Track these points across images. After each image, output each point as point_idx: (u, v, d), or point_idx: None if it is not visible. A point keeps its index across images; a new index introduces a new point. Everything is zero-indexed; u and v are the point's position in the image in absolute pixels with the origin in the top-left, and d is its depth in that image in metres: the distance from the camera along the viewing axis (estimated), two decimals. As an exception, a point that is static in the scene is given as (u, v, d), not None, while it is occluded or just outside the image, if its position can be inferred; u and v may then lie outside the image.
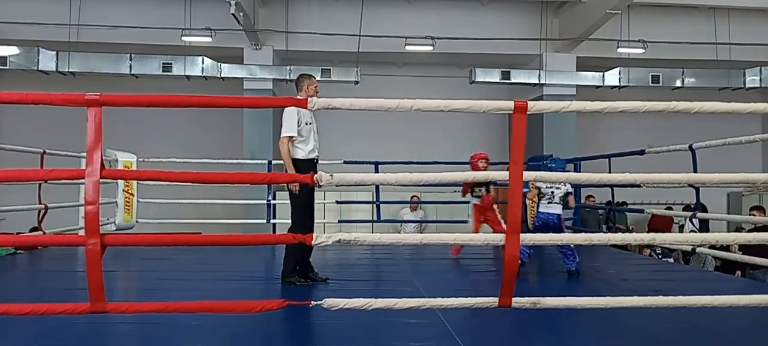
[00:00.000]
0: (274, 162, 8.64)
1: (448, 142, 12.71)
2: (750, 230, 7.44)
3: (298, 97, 4.63)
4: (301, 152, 4.63)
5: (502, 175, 2.57)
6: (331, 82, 10.76)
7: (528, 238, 2.51)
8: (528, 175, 2.53)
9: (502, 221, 5.98)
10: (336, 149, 10.12)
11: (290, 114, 4.54)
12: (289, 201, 4.75)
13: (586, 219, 10.28)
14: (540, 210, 5.20)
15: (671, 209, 9.03)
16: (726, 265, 7.40)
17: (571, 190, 5.25)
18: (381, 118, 10.71)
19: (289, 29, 11.38)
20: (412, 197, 9.56)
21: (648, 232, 10.54)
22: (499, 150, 13.08)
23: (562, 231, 4.89)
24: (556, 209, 5.15)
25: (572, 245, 5.11)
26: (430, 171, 2.73)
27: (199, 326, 3.26)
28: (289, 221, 4.77)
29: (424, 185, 8.36)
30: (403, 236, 2.76)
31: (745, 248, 6.45)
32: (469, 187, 6.20)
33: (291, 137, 4.56)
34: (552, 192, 5.14)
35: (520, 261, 5.01)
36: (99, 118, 2.30)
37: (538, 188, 5.18)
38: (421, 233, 9.46)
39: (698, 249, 6.27)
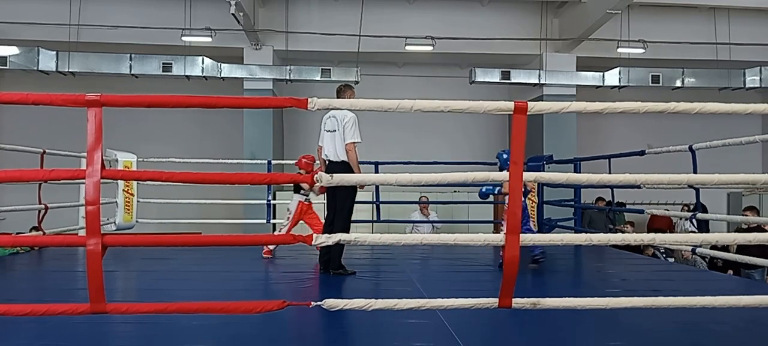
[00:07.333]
0: (273, 162, 8.63)
1: (447, 142, 12.72)
2: (745, 230, 7.44)
3: None
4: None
5: (501, 175, 2.57)
6: (331, 82, 10.76)
7: (528, 238, 2.51)
8: (528, 175, 2.53)
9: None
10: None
11: (357, 120, 4.79)
12: (328, 202, 5.07)
13: (594, 219, 10.28)
14: None
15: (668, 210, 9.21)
16: (717, 264, 7.41)
17: None
18: (380, 116, 10.69)
19: (289, 29, 11.38)
20: (421, 198, 9.48)
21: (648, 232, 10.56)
22: (498, 151, 13.07)
23: None
24: None
25: None
26: (430, 172, 2.73)
27: (199, 327, 3.25)
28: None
29: (424, 185, 8.33)
30: (403, 236, 2.74)
31: (740, 248, 6.44)
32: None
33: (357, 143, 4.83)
34: None
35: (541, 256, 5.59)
36: (99, 119, 2.30)
37: None
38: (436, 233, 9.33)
39: (697, 250, 6.26)
